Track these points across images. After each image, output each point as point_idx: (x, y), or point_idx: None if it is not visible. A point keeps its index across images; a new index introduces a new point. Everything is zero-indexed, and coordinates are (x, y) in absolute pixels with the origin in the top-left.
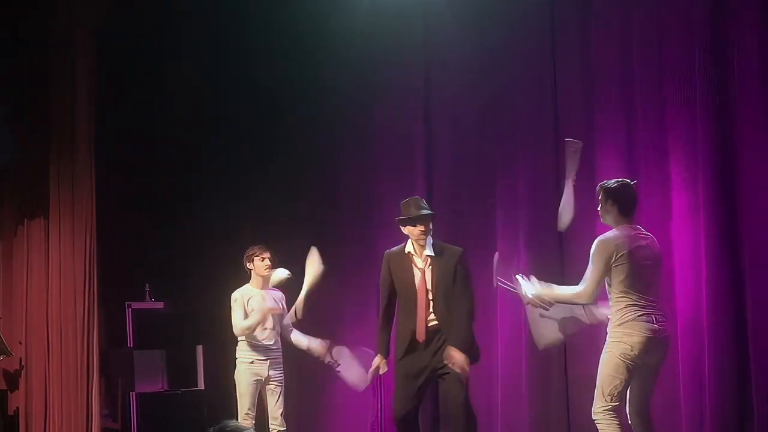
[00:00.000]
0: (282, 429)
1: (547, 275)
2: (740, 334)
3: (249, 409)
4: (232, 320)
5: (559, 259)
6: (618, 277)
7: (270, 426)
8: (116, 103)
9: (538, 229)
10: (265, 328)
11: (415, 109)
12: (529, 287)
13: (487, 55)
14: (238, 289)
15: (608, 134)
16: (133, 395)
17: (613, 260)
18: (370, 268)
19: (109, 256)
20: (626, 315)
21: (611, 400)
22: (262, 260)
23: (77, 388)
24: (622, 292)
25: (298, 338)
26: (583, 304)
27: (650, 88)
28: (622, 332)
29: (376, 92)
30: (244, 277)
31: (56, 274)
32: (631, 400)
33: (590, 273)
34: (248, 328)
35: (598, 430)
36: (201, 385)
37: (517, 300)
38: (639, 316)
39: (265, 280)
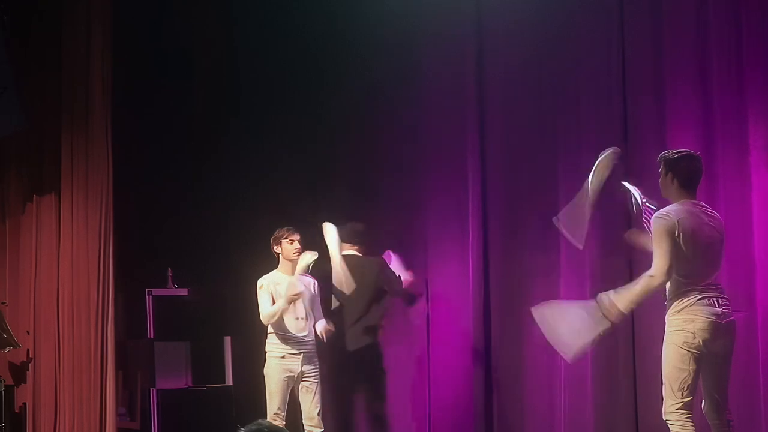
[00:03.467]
0: (319, 430)
1: (616, 264)
2: None
3: (279, 408)
4: (259, 308)
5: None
6: (678, 256)
7: (306, 426)
8: (136, 77)
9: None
10: (297, 318)
11: (465, 90)
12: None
13: (549, 25)
14: (265, 276)
15: (680, 103)
16: (153, 392)
17: (676, 235)
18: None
19: (126, 238)
20: (686, 300)
21: (683, 395)
22: (291, 243)
23: (90, 383)
24: (681, 274)
25: (319, 326)
26: (660, 286)
27: (728, 52)
28: (682, 319)
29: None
30: (274, 263)
31: (68, 257)
32: (706, 395)
33: (657, 250)
34: (273, 315)
35: (669, 430)
36: (229, 381)
37: (582, 292)
38: (700, 299)
39: (294, 264)
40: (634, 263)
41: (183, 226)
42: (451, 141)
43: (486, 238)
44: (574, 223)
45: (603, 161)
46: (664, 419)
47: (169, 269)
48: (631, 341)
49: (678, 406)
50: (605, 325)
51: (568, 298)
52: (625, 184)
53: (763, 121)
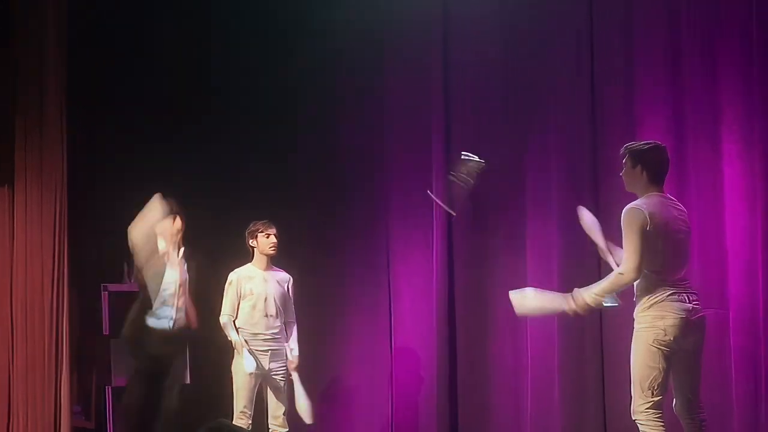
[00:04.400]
0: (284, 430)
1: (582, 255)
2: None
3: (245, 407)
4: (222, 306)
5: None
6: (648, 251)
7: (270, 426)
8: (92, 65)
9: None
10: (267, 315)
11: (431, 80)
12: (567, 301)
13: (517, 13)
14: (237, 269)
15: (650, 94)
16: (108, 390)
17: (647, 228)
18: (375, 256)
19: (82, 231)
20: (656, 295)
21: (653, 394)
22: (267, 237)
23: (45, 381)
24: (652, 269)
25: (292, 345)
26: (630, 282)
27: (700, 42)
28: (652, 315)
29: (387, 70)
30: (240, 256)
31: (22, 252)
32: (677, 394)
33: (628, 245)
34: (223, 326)
35: (639, 431)
36: (187, 379)
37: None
38: (670, 295)
39: (270, 259)
40: (603, 264)
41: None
42: (417, 134)
43: (451, 237)
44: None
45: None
46: (633, 419)
47: (125, 264)
48: (599, 341)
49: (648, 405)
50: (562, 309)
51: (534, 281)
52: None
53: (735, 112)
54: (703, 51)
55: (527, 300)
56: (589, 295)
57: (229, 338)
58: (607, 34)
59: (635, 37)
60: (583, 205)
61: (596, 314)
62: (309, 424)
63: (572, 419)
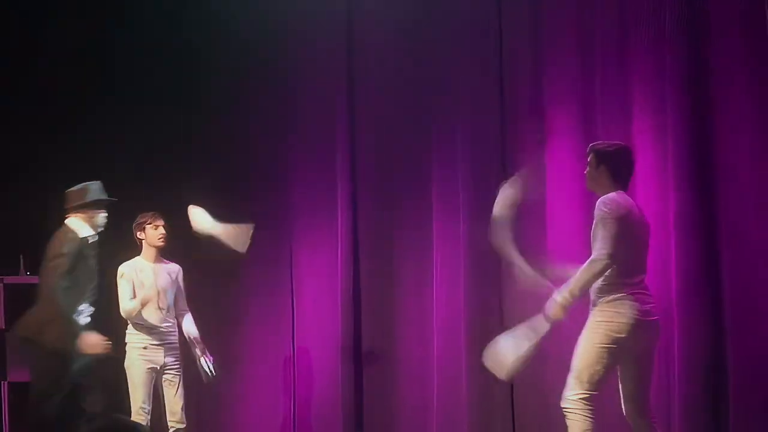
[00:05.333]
0: (181, 426)
1: (490, 255)
2: (715, 318)
3: (144, 402)
4: (119, 300)
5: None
6: (622, 241)
7: (168, 422)
8: None
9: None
10: (160, 308)
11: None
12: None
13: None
14: (126, 262)
15: (559, 76)
16: (4, 385)
17: (626, 220)
18: (277, 249)
19: None
20: (616, 293)
21: (590, 387)
22: (156, 228)
23: None
24: (618, 263)
25: (189, 328)
26: (604, 270)
27: (610, 25)
28: (611, 312)
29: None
30: (134, 248)
31: None
32: (625, 391)
33: (603, 233)
34: (132, 311)
35: (565, 419)
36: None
37: (455, 286)
38: (629, 294)
39: (159, 251)
40: None
41: (37, 210)
42: (321, 126)
43: (356, 229)
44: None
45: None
46: (563, 406)
47: (21, 255)
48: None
49: (583, 396)
50: (540, 332)
51: (441, 285)
52: None
53: (645, 99)
54: (612, 38)
55: (502, 356)
56: (560, 295)
57: (137, 307)
58: (516, 19)
59: (545, 25)
60: (490, 198)
61: (500, 305)
62: (215, 375)
63: (480, 410)
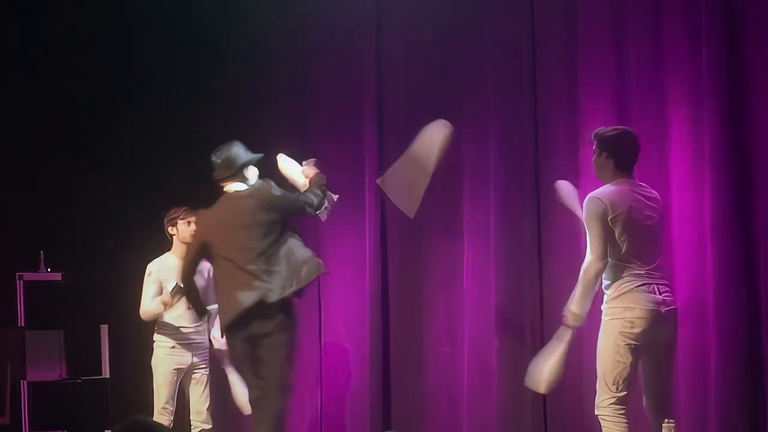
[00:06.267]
0: (207, 427)
1: (522, 250)
2: (753, 314)
3: (167, 402)
4: (142, 297)
5: (536, 229)
6: (612, 240)
7: (193, 422)
8: (12, 40)
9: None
10: (190, 307)
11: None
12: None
13: None
14: (156, 260)
15: (593, 69)
16: (24, 384)
17: (608, 219)
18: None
19: None
20: (623, 286)
21: (617, 389)
22: (188, 225)
23: None
24: (618, 258)
25: (215, 332)
26: (598, 272)
27: (645, 20)
28: (620, 307)
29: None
30: (165, 243)
31: None
32: (647, 392)
33: (589, 235)
34: (153, 315)
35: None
36: (106, 373)
37: (486, 275)
38: (639, 286)
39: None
40: (544, 252)
41: (56, 204)
42: (348, 123)
43: (384, 226)
44: (400, 190)
45: (437, 135)
46: (596, 414)
47: (41, 252)
48: (540, 330)
49: (612, 400)
50: (564, 340)
51: (472, 281)
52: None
53: (682, 92)
54: (647, 30)
55: (539, 374)
56: (574, 304)
57: (159, 311)
58: (549, 6)
59: (579, 17)
60: (523, 191)
61: (536, 301)
62: (247, 415)
63: (511, 413)
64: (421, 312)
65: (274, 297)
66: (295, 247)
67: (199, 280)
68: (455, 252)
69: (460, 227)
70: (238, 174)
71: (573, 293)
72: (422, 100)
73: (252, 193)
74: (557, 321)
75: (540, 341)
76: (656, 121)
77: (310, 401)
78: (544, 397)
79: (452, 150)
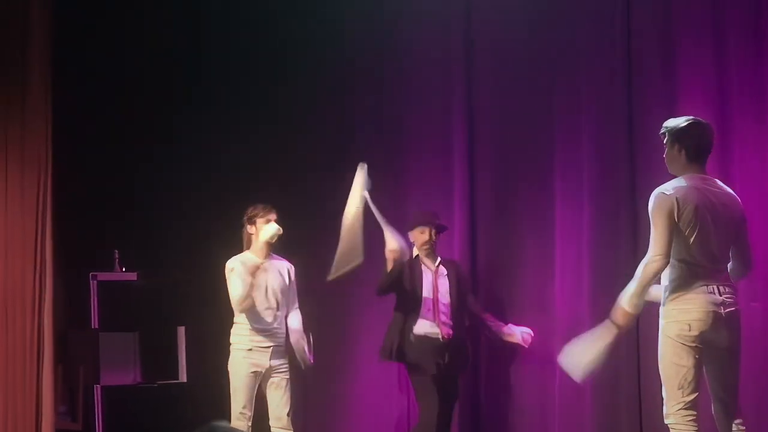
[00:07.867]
0: None
1: (617, 252)
2: None
3: (244, 407)
4: (230, 294)
5: (630, 233)
6: (678, 238)
7: (272, 428)
8: (79, 46)
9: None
10: (269, 308)
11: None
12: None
13: None
14: (235, 257)
15: (692, 71)
16: (97, 389)
17: (675, 215)
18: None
19: (68, 215)
20: (683, 287)
21: (683, 394)
22: (268, 223)
23: (25, 378)
24: (681, 258)
25: (292, 322)
26: (657, 270)
27: (745, 17)
28: (678, 309)
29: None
30: (238, 244)
31: (1, 237)
32: (713, 396)
33: (654, 231)
34: (244, 298)
35: None
36: (183, 377)
37: (580, 282)
38: (698, 287)
39: (270, 247)
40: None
41: (132, 203)
42: (438, 117)
43: (474, 222)
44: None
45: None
46: (666, 422)
47: (116, 251)
48: (635, 337)
49: (679, 406)
50: (608, 337)
51: (562, 283)
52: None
53: None
54: (748, 27)
55: (577, 358)
56: (626, 301)
57: (248, 290)
58: (645, 6)
59: (675, 12)
60: (618, 186)
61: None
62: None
63: (606, 420)
64: (512, 313)
65: None
66: None
67: (283, 282)
68: (547, 254)
69: (553, 229)
70: None
71: (625, 290)
72: (514, 100)
73: None
74: (655, 328)
75: (635, 344)
76: (757, 119)
77: (398, 402)
78: (639, 403)
79: (545, 151)
